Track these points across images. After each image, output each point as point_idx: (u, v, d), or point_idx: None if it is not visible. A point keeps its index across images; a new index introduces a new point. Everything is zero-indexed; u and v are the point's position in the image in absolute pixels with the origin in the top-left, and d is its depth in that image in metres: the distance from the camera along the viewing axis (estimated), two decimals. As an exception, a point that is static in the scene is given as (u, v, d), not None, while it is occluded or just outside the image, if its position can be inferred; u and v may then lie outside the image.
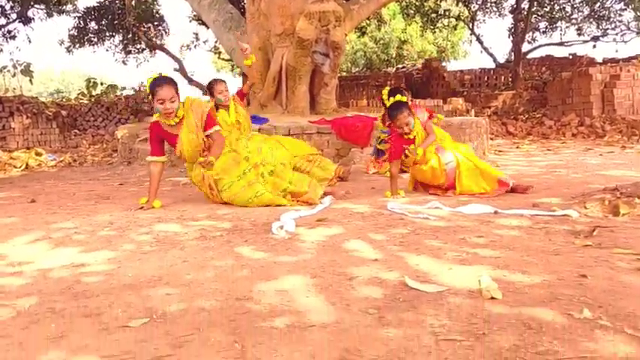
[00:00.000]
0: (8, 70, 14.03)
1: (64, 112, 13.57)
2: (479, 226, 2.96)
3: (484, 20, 21.90)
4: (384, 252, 2.45)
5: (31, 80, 14.21)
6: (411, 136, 4.24)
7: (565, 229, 2.84)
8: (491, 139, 12.81)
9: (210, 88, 4.68)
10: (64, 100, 15.93)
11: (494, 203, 3.68)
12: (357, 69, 30.58)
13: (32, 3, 17.30)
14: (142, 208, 3.73)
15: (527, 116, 14.90)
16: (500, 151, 8.68)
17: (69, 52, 18.73)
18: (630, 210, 3.13)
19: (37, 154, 7.91)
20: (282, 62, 7.91)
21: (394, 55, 28.63)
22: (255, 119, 6.41)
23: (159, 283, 2.06)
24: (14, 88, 14.59)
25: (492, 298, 1.79)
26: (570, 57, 20.00)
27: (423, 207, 3.57)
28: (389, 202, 3.63)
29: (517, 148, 9.56)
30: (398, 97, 4.32)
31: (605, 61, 19.26)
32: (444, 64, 33.18)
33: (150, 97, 3.77)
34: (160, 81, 3.70)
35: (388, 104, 4.32)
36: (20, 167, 7.26)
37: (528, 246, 2.50)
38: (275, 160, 4.13)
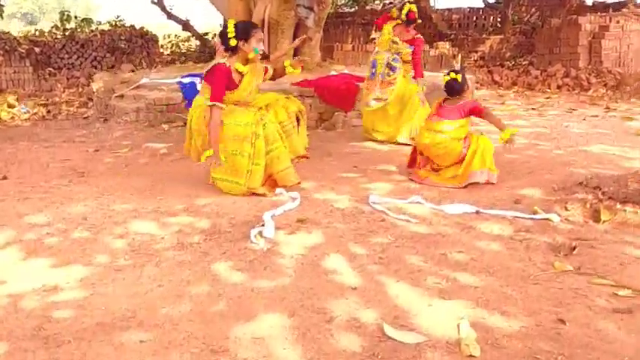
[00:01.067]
0: (-25, 3, 13.25)
1: (37, 49, 13.01)
2: (460, 235, 2.94)
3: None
4: (364, 275, 2.42)
5: (1, 15, 13.50)
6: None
7: (546, 241, 2.83)
8: (477, 88, 12.67)
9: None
10: (36, 33, 15.21)
11: (476, 197, 3.66)
12: (342, 1, 29.62)
13: None
14: (208, 158, 3.62)
15: (513, 63, 14.68)
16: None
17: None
18: (611, 217, 3.12)
19: (10, 105, 7.62)
20: (264, 15, 7.57)
21: (382, -12, 27.67)
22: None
23: (132, 321, 2.02)
24: (-17, 23, 13.88)
25: (471, 355, 1.79)
26: (560, -2, 19.51)
27: (405, 202, 3.53)
28: (370, 195, 3.57)
29: (502, 104, 9.46)
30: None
31: (594, 4, 18.88)
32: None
33: (239, 40, 3.56)
34: (255, 25, 3.90)
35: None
36: (-9, 121, 7.01)
37: (508, 269, 2.49)
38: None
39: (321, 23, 7.68)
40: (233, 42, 3.56)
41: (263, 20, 7.70)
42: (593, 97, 10.14)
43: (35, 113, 7.60)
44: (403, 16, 5.56)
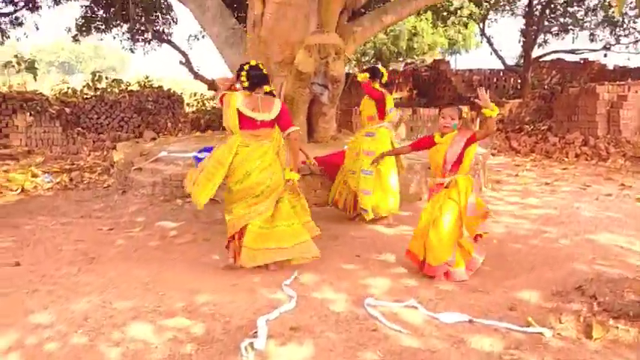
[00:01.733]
0: (13, 66, 13.98)
1: (67, 110, 13.57)
2: (449, 351, 2.96)
3: (496, 20, 21.54)
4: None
5: (35, 77, 14.18)
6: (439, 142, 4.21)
7: (534, 363, 2.84)
8: (493, 154, 12.73)
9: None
10: (68, 92, 15.88)
11: (473, 299, 3.69)
12: (366, 58, 30.30)
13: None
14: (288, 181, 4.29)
15: (532, 127, 14.73)
16: (497, 183, 8.61)
17: (75, 40, 18.64)
18: (603, 334, 3.11)
19: (34, 175, 7.93)
20: (280, 91, 7.84)
21: (404, 48, 28.27)
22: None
23: None
24: (18, 84, 14.58)
25: None
26: (582, 62, 19.69)
27: (400, 305, 3.57)
28: (367, 299, 3.62)
29: (516, 176, 9.48)
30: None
31: (615, 68, 18.98)
32: (453, 58, 32.81)
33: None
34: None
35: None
36: (16, 191, 7.30)
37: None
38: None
39: (335, 100, 7.90)
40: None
41: (279, 95, 7.97)
42: (610, 169, 10.09)
43: (58, 182, 7.89)
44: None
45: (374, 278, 4.15)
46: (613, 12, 16.53)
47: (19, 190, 7.35)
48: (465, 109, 14.91)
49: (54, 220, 5.91)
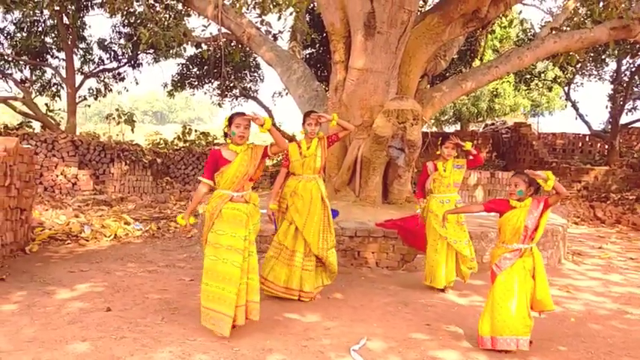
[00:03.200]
0: (114, 118, 15.29)
1: (158, 160, 14.54)
2: None
3: (582, 84, 21.07)
4: None
5: (132, 129, 15.41)
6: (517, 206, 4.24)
7: None
8: (576, 223, 12.29)
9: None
10: (160, 142, 17.03)
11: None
12: (445, 117, 30.31)
13: (141, 49, 18.75)
14: (183, 226, 4.55)
15: (619, 197, 14.12)
16: (579, 255, 8.32)
17: (171, 95, 20.03)
18: None
19: (126, 222, 8.56)
20: (357, 153, 8.11)
21: (485, 109, 28.08)
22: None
23: None
24: (117, 135, 15.85)
25: None
26: (675, 129, 18.79)
27: (467, 381, 3.56)
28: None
29: (600, 248, 9.11)
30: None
31: None
32: (536, 120, 32.16)
33: (227, 126, 4.35)
34: (239, 113, 4.40)
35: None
36: (109, 237, 7.89)
37: None
38: None
39: (411, 163, 8.04)
40: (225, 130, 4.38)
41: (356, 157, 8.23)
42: None
43: (147, 230, 8.45)
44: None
45: (442, 351, 4.15)
46: None
47: (111, 237, 7.94)
48: (549, 174, 14.58)
49: (141, 268, 6.34)
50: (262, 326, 4.48)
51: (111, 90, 19.75)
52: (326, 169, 8.45)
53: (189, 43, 14.53)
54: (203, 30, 14.41)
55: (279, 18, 12.55)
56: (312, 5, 13.06)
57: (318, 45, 17.18)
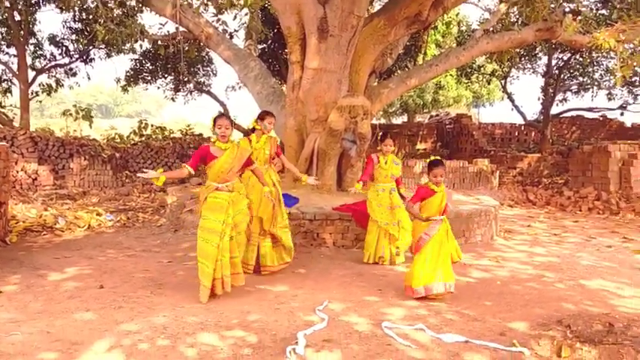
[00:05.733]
0: (71, 114, 15.51)
1: (117, 155, 14.91)
2: (446, 361, 3.82)
3: (517, 77, 22.56)
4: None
5: (90, 124, 15.67)
6: (437, 190, 5.33)
7: (512, 371, 3.68)
8: (511, 205, 13.53)
9: (261, 117, 6.12)
10: (116, 137, 17.32)
11: (471, 326, 4.54)
12: (392, 109, 31.53)
13: (95, 44, 18.87)
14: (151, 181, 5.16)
15: (549, 181, 15.52)
16: (509, 232, 9.43)
17: (124, 90, 20.23)
18: (570, 354, 3.94)
19: (98, 214, 9.08)
20: (314, 145, 8.91)
21: (430, 100, 29.40)
22: (286, 198, 7.16)
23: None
24: (74, 130, 16.07)
25: None
26: (601, 118, 20.49)
27: (411, 328, 4.44)
28: (384, 322, 4.51)
29: (528, 226, 10.27)
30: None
31: (634, 125, 19.73)
32: (477, 110, 33.79)
33: (212, 126, 5.15)
34: (222, 114, 5.29)
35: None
36: (83, 227, 8.41)
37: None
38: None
39: (362, 154, 8.91)
40: (212, 129, 5.21)
41: (313, 149, 9.04)
42: (619, 223, 10.80)
43: (118, 221, 9.01)
44: None
45: (391, 308, 5.02)
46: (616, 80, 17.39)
47: (85, 227, 8.46)
48: (486, 162, 15.85)
49: (121, 253, 6.96)
50: (239, 294, 5.24)
51: (62, 85, 19.76)
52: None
53: (146, 40, 14.92)
54: (160, 28, 14.89)
55: (235, 17, 13.20)
56: (265, 4, 13.72)
57: (270, 42, 17.85)
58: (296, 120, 9.32)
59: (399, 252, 6.94)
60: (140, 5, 13.08)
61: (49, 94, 18.48)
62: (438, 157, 5.67)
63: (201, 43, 14.34)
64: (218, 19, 12.56)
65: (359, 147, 8.69)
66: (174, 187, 9.86)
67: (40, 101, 19.97)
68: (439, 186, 5.36)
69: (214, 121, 5.13)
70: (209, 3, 12.63)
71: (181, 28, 12.37)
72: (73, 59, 19.48)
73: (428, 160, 5.57)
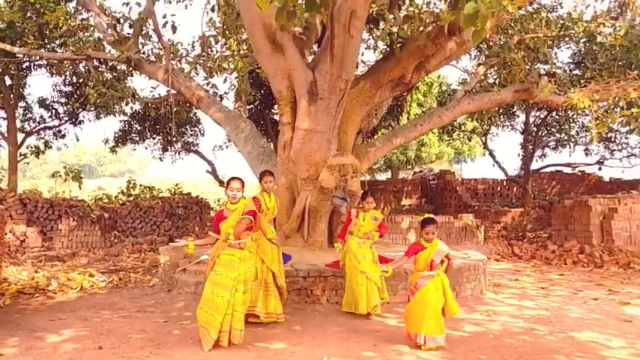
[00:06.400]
0: (60, 175, 15.61)
1: (106, 215, 14.94)
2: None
3: (497, 134, 23.27)
4: None
5: (79, 186, 15.76)
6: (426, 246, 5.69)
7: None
8: (497, 260, 13.74)
9: (259, 178, 6.64)
10: (104, 197, 17.37)
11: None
12: (377, 166, 32.08)
13: (85, 107, 19.19)
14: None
15: (533, 235, 15.83)
16: (498, 286, 9.59)
17: (112, 151, 20.43)
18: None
19: (91, 275, 9.08)
20: (305, 203, 9.12)
21: (413, 157, 30.02)
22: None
23: None
24: (63, 192, 16.13)
25: None
26: (579, 173, 21.09)
27: (410, 382, 4.54)
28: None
29: (516, 280, 10.45)
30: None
31: (611, 181, 20.32)
32: (459, 166, 34.53)
33: (225, 187, 5.70)
34: (234, 177, 5.67)
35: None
36: (76, 289, 8.40)
37: None
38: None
39: (352, 211, 9.13)
40: (225, 191, 5.74)
41: (304, 206, 9.24)
42: (604, 276, 11.03)
43: (110, 281, 9.01)
44: None
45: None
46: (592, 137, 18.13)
47: (78, 289, 8.45)
48: (470, 217, 16.15)
49: (116, 314, 6.97)
50: (238, 353, 5.29)
51: (51, 147, 19.92)
52: (276, 218, 9.40)
53: (137, 102, 15.29)
54: (152, 91, 15.30)
55: (225, 81, 13.66)
56: (253, 67, 14.22)
57: (257, 102, 18.34)
58: (287, 178, 9.56)
59: (384, 302, 7.18)
60: (131, 70, 13.48)
61: (37, 156, 18.60)
62: (431, 216, 6.13)
63: (192, 105, 14.77)
64: (208, 83, 12.99)
65: (349, 204, 8.91)
66: (166, 247, 9.91)
67: (28, 163, 20.06)
68: (430, 242, 5.72)
69: (227, 183, 5.51)
70: (200, 67, 13.11)
71: (173, 91, 12.77)
72: (62, 121, 19.75)
73: (421, 218, 5.96)
